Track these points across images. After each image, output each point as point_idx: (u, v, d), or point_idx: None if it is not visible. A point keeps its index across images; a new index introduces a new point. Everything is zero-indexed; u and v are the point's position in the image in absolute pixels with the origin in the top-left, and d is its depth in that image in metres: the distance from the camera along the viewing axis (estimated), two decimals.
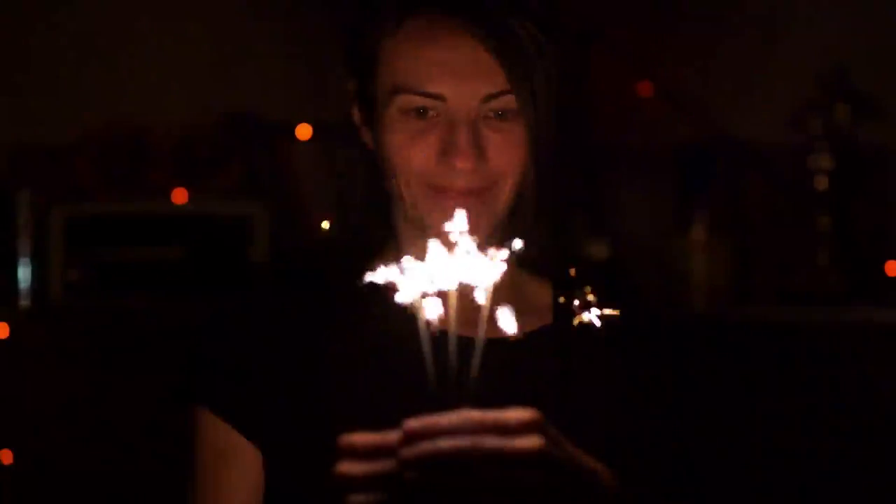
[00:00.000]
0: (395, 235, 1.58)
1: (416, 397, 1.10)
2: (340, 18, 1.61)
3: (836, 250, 3.13)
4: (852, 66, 3.17)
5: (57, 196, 3.19)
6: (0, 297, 3.11)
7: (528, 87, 1.46)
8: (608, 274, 1.63)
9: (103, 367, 3.15)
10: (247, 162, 3.25)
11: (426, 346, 1.09)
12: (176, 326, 2.65)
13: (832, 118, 3.15)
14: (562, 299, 1.56)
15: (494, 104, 1.47)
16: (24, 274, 3.11)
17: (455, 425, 1.05)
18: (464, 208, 1.46)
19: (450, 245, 1.12)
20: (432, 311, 1.09)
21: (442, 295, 1.09)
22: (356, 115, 1.57)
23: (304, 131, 3.23)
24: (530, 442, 1.06)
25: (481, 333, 1.09)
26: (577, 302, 1.49)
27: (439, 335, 1.10)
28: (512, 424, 1.06)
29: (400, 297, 1.09)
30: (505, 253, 1.10)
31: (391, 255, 1.56)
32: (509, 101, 1.46)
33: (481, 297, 1.09)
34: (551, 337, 1.53)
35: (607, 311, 1.38)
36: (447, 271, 1.09)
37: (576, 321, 1.35)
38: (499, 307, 1.09)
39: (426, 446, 1.05)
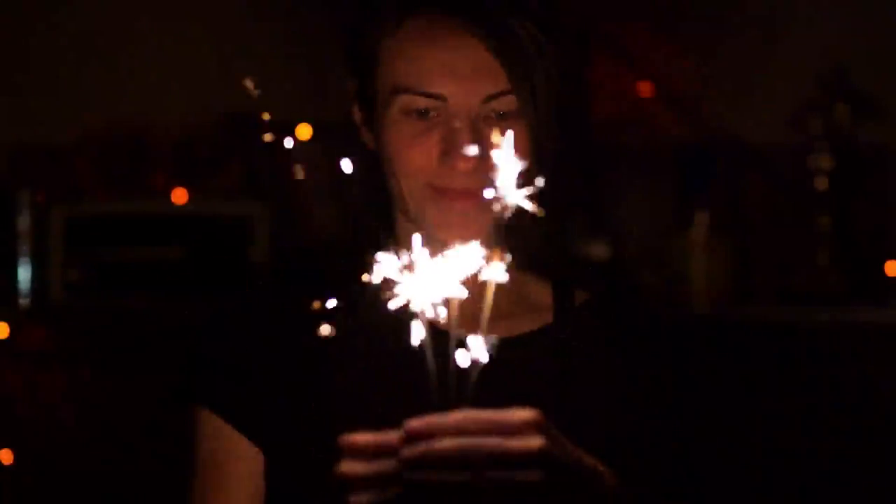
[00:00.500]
0: (395, 235, 1.57)
1: (416, 397, 1.10)
2: (341, 18, 1.61)
3: (836, 250, 3.13)
4: (852, 66, 3.17)
5: (57, 196, 3.19)
6: (0, 297, 3.11)
7: (529, 87, 1.46)
8: (608, 274, 1.63)
9: (103, 367, 3.15)
10: (247, 162, 3.25)
11: (427, 347, 1.09)
12: (176, 326, 2.65)
13: (832, 118, 3.15)
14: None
15: (495, 104, 1.47)
16: (24, 274, 3.11)
17: (456, 425, 1.05)
18: (464, 209, 1.46)
19: (451, 245, 1.12)
20: (433, 312, 1.09)
21: (442, 295, 1.09)
22: (356, 116, 1.57)
23: (304, 131, 3.23)
24: (531, 442, 1.06)
25: (482, 333, 1.09)
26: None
27: (440, 335, 1.10)
28: (512, 424, 1.06)
29: (401, 298, 1.09)
30: (508, 257, 1.10)
31: (392, 254, 1.56)
32: (510, 101, 1.46)
33: (482, 299, 1.09)
34: (551, 337, 1.53)
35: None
36: (448, 272, 1.10)
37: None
38: (499, 308, 1.09)
39: (427, 446, 1.05)
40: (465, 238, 1.15)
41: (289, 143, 1.25)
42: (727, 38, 3.26)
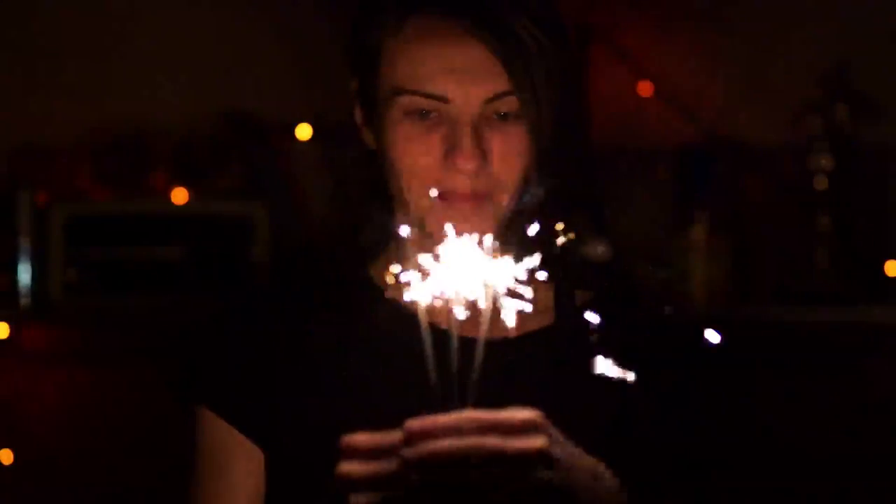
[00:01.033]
0: (395, 236, 1.57)
1: (417, 397, 1.10)
2: (342, 18, 1.61)
3: (836, 250, 3.13)
4: (852, 66, 3.17)
5: (57, 196, 3.19)
6: (0, 297, 3.11)
7: (531, 87, 1.46)
8: (609, 274, 1.63)
9: (103, 367, 3.15)
10: (247, 162, 3.25)
11: (428, 346, 1.09)
12: (176, 326, 2.65)
13: (832, 118, 3.14)
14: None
15: (497, 105, 1.46)
16: (24, 274, 3.11)
17: (456, 425, 1.05)
18: (466, 211, 1.46)
19: (451, 247, 1.13)
20: (434, 311, 1.09)
21: (444, 295, 1.09)
22: (357, 116, 1.57)
23: (304, 131, 3.23)
24: (532, 442, 1.06)
25: (483, 333, 1.09)
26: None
27: (441, 335, 1.10)
28: (513, 424, 1.06)
29: (402, 298, 1.09)
30: (531, 262, 1.10)
31: (392, 255, 1.56)
32: (512, 102, 1.46)
33: (483, 299, 1.09)
34: (552, 337, 1.53)
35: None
36: (449, 272, 1.10)
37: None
38: (500, 307, 1.09)
39: (428, 446, 1.05)
40: (466, 239, 1.15)
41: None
42: (727, 38, 3.26)
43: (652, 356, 1.57)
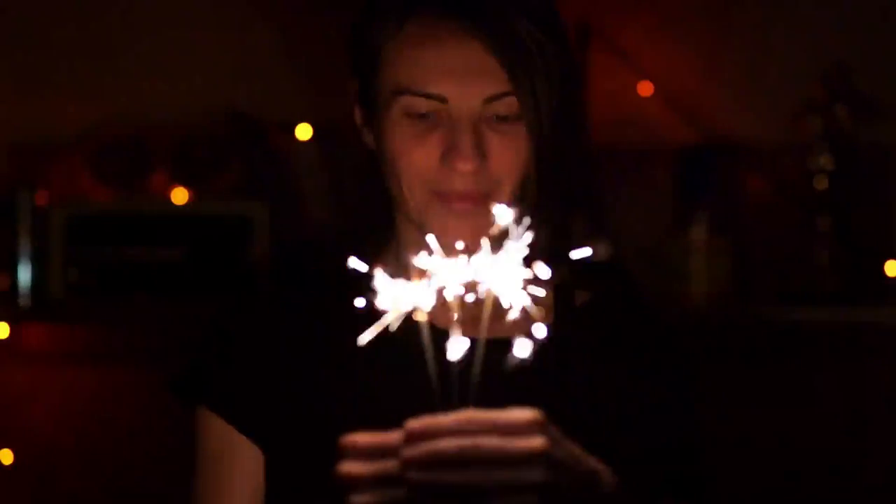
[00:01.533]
0: (395, 235, 1.58)
1: (418, 397, 1.10)
2: (342, 19, 1.61)
3: (836, 250, 3.13)
4: (852, 66, 3.17)
5: (57, 196, 3.19)
6: (0, 297, 3.11)
7: (530, 88, 1.46)
8: (608, 274, 1.63)
9: (103, 367, 3.15)
10: (247, 162, 3.25)
11: (428, 347, 1.09)
12: (176, 326, 2.65)
13: (832, 118, 3.14)
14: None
15: (496, 106, 1.47)
16: (24, 274, 3.11)
17: (456, 425, 1.05)
18: (465, 211, 1.46)
19: (452, 247, 1.13)
20: (434, 311, 1.09)
21: (444, 296, 1.09)
22: (357, 116, 1.57)
23: (304, 131, 3.23)
24: (532, 442, 1.06)
25: (483, 334, 1.10)
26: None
27: (441, 335, 1.10)
28: (513, 424, 1.06)
29: (402, 299, 1.09)
30: (531, 261, 1.10)
31: (392, 255, 1.57)
32: (511, 102, 1.46)
33: (483, 299, 1.09)
34: (552, 337, 1.53)
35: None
36: (449, 273, 1.10)
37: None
38: (500, 308, 1.09)
39: (428, 446, 1.05)
40: (466, 240, 1.15)
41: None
42: (727, 38, 3.26)
43: (651, 356, 1.57)
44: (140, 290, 3.11)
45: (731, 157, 3.22)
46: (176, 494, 1.73)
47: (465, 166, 1.45)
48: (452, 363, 1.08)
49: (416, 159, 1.47)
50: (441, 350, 1.09)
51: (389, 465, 1.06)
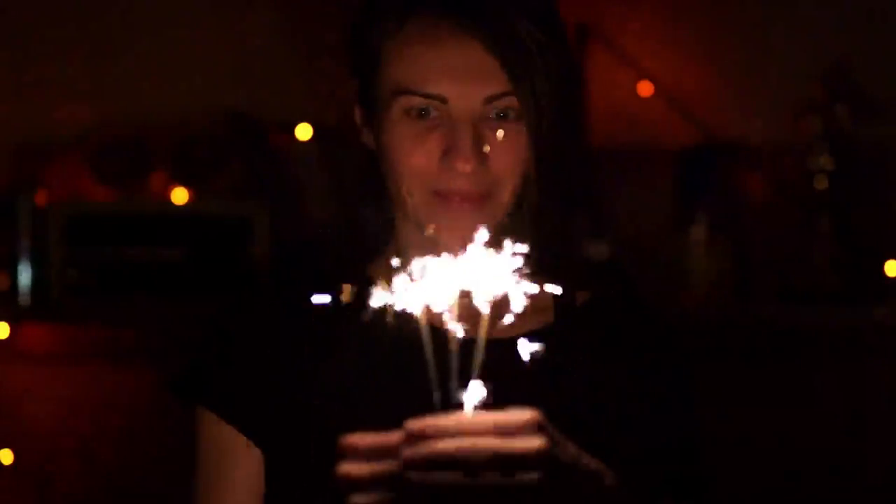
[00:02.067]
0: (395, 235, 1.58)
1: (417, 398, 1.10)
2: (342, 19, 1.61)
3: (836, 250, 3.12)
4: (852, 66, 3.17)
5: (57, 196, 3.19)
6: (0, 297, 3.11)
7: (530, 87, 1.46)
8: (609, 274, 1.63)
9: (103, 366, 3.15)
10: (247, 162, 3.25)
11: (428, 347, 1.09)
12: (176, 326, 2.65)
13: (832, 118, 3.14)
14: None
15: (496, 105, 1.47)
16: (24, 274, 3.11)
17: (456, 426, 1.05)
18: (465, 211, 1.46)
19: (451, 247, 1.13)
20: (434, 312, 1.09)
21: (444, 296, 1.09)
22: (357, 116, 1.57)
23: (304, 131, 3.23)
24: (531, 442, 1.06)
25: (483, 333, 1.09)
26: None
27: (440, 335, 1.10)
28: (513, 425, 1.06)
29: (402, 299, 1.09)
30: (518, 263, 1.10)
31: (391, 254, 1.56)
32: (511, 102, 1.46)
33: (483, 299, 1.09)
34: (552, 337, 1.53)
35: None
36: (449, 273, 1.10)
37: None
38: (500, 307, 1.09)
39: (427, 447, 1.05)
40: (465, 239, 1.15)
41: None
42: (727, 38, 3.26)
43: (651, 356, 1.57)
44: (140, 290, 3.11)
45: (731, 157, 3.22)
46: (176, 494, 1.73)
47: (465, 166, 1.45)
48: (452, 363, 1.08)
49: (416, 159, 1.47)
50: (441, 350, 1.09)
51: (389, 465, 1.06)
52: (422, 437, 1.05)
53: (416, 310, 1.09)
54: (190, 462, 1.57)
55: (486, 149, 1.46)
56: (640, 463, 1.46)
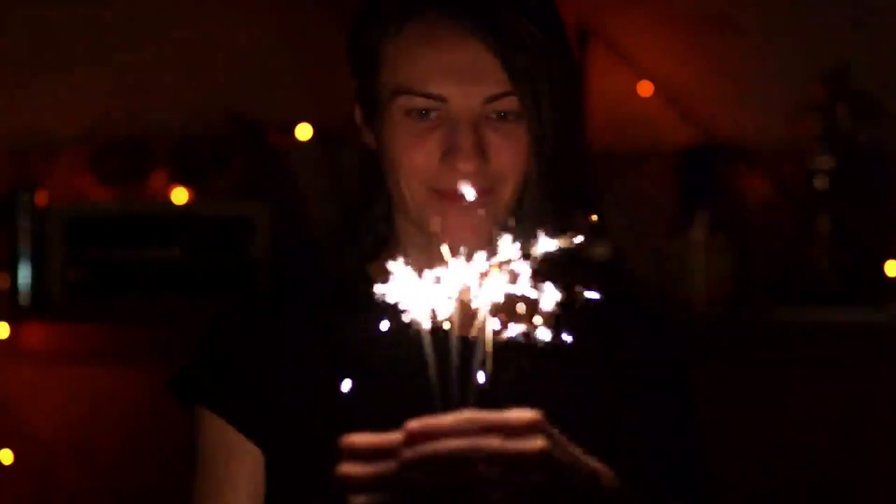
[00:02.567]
0: (395, 235, 1.58)
1: (417, 398, 1.10)
2: (342, 19, 1.61)
3: (835, 250, 3.13)
4: (852, 66, 3.17)
5: (57, 196, 3.19)
6: (0, 297, 3.11)
7: (530, 87, 1.46)
8: (609, 274, 1.63)
9: (103, 366, 3.15)
10: (247, 162, 3.25)
11: (428, 347, 1.09)
12: (176, 326, 2.65)
13: (832, 118, 3.14)
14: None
15: (497, 105, 1.47)
16: (24, 274, 3.11)
17: (456, 426, 1.05)
18: (465, 210, 1.46)
19: (452, 247, 1.13)
20: (434, 312, 1.09)
21: (444, 296, 1.09)
22: (358, 116, 1.57)
23: (304, 131, 3.23)
24: (532, 443, 1.06)
25: (483, 334, 1.09)
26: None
27: (441, 336, 1.10)
28: (514, 425, 1.06)
29: (403, 300, 1.09)
30: (519, 264, 1.10)
31: (392, 255, 1.56)
32: (511, 102, 1.46)
33: (484, 300, 1.09)
34: (553, 337, 1.53)
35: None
36: (449, 273, 1.10)
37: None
38: (500, 308, 1.09)
39: (428, 447, 1.05)
40: (466, 239, 1.15)
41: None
42: (727, 38, 3.26)
43: (651, 356, 1.57)
44: (140, 290, 3.11)
45: (731, 157, 3.22)
46: (176, 494, 1.73)
47: (466, 166, 1.45)
48: (452, 364, 1.08)
49: (417, 159, 1.47)
50: (441, 350, 1.09)
51: (389, 465, 1.06)
52: (422, 437, 1.05)
53: (417, 310, 1.09)
54: (190, 462, 1.57)
55: (487, 149, 1.46)
56: (640, 463, 1.46)
